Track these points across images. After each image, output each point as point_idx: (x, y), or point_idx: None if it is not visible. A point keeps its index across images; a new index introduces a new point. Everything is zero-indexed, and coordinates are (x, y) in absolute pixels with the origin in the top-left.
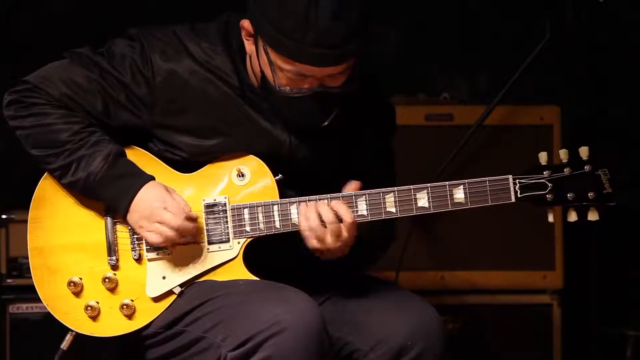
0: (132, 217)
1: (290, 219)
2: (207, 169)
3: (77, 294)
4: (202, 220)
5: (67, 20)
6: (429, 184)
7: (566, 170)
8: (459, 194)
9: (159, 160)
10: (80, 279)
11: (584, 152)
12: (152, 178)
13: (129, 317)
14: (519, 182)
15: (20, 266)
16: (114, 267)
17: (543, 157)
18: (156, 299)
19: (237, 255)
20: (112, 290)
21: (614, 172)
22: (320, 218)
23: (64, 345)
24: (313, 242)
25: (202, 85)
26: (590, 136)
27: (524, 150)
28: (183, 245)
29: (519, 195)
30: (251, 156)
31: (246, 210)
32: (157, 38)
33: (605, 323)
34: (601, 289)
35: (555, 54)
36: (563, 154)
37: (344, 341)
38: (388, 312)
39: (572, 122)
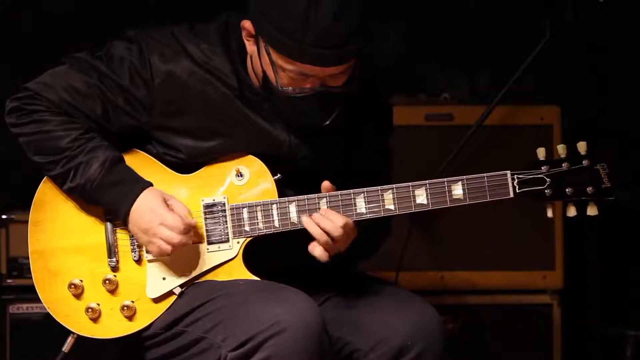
0: (130, 225)
1: (289, 218)
2: (206, 170)
3: (78, 296)
4: (202, 220)
5: (67, 20)
6: (427, 181)
7: (564, 165)
8: (458, 190)
9: (159, 162)
10: (81, 281)
11: (582, 147)
12: (150, 184)
13: (130, 318)
14: (517, 178)
15: (20, 266)
16: (114, 269)
17: (541, 152)
18: (156, 300)
19: (236, 255)
20: (113, 291)
21: (612, 166)
22: (327, 233)
23: (65, 347)
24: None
25: (201, 86)
26: (590, 136)
27: (524, 151)
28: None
29: (517, 191)
30: (250, 156)
31: (245, 210)
32: (155, 39)
33: (605, 323)
34: (601, 288)
35: (555, 54)
36: (561, 149)
37: (344, 341)
38: (388, 312)
39: (572, 122)
